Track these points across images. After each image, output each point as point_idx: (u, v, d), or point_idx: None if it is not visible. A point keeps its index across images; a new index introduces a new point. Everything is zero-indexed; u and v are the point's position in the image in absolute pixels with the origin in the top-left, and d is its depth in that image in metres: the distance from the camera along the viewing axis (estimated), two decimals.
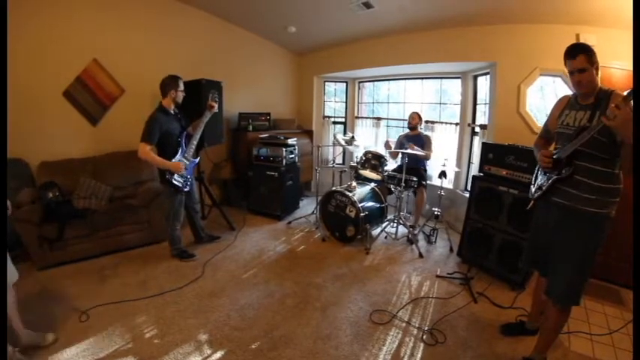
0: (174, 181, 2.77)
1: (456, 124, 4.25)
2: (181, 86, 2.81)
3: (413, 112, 4.08)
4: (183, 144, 2.87)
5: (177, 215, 2.96)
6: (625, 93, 1.39)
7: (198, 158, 3.08)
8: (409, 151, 3.49)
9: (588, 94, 1.64)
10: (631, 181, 1.46)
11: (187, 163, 2.86)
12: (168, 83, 2.75)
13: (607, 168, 1.56)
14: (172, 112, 2.83)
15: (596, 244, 1.63)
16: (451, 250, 3.44)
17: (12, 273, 1.76)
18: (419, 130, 4.02)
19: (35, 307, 2.30)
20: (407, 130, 4.14)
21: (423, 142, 3.87)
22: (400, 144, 4.03)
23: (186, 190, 2.91)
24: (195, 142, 2.90)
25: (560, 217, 1.71)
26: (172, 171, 2.74)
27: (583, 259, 1.65)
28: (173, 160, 2.76)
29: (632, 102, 1.36)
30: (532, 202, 1.90)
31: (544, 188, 1.77)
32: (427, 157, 3.85)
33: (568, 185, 1.66)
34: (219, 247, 3.38)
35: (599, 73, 1.62)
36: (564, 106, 1.79)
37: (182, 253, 3.08)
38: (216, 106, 2.92)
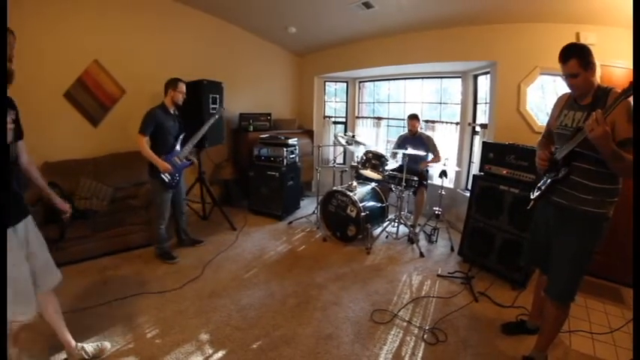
0: (162, 176, 2.83)
1: (457, 123, 4.25)
2: (180, 87, 2.89)
3: (411, 117, 3.92)
4: (179, 145, 2.94)
5: (162, 212, 2.96)
6: (616, 94, 1.39)
7: (190, 162, 3.09)
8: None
9: (585, 95, 1.64)
10: (631, 182, 1.45)
11: (179, 163, 2.93)
12: (168, 83, 2.90)
13: (604, 169, 1.54)
14: (172, 112, 2.92)
15: (593, 244, 1.64)
16: (452, 249, 3.44)
17: (54, 275, 1.71)
18: (418, 130, 4.01)
19: None
20: (407, 130, 4.12)
21: (425, 143, 3.86)
22: (401, 144, 4.03)
23: (172, 188, 2.93)
24: (192, 145, 3.01)
25: (558, 216, 1.72)
26: (160, 169, 2.79)
27: (579, 257, 1.66)
28: (165, 158, 2.81)
29: (606, 118, 1.37)
30: (532, 201, 1.91)
31: (543, 189, 1.78)
32: (437, 161, 3.84)
33: (566, 186, 1.66)
34: (220, 247, 3.38)
35: (598, 71, 1.60)
36: (563, 105, 1.78)
37: (164, 254, 3.07)
38: None
